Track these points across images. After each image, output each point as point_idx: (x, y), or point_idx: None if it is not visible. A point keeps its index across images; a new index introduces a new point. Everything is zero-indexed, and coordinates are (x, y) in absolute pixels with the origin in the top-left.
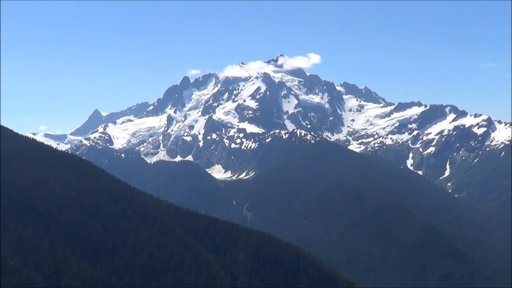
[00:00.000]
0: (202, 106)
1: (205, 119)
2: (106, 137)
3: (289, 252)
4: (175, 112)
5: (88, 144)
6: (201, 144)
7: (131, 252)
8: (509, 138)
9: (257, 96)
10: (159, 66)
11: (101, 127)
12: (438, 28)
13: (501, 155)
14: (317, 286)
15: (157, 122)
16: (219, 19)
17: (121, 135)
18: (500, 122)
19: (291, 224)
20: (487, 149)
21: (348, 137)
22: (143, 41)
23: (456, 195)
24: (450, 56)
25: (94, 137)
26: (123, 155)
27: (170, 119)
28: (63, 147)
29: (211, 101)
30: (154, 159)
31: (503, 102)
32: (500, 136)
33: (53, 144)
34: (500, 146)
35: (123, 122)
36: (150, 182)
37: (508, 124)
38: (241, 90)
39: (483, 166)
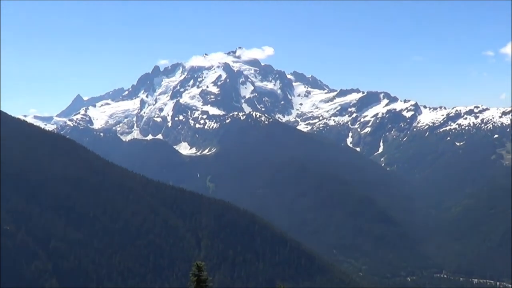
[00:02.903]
0: (171, 91)
1: (173, 102)
2: (87, 119)
3: (246, 218)
4: (147, 96)
5: (72, 125)
6: (169, 124)
7: (109, 218)
8: (432, 121)
9: (218, 83)
10: (133, 57)
11: (83, 109)
12: (376, 25)
13: (426, 135)
14: (270, 246)
15: (131, 105)
16: (185, 15)
17: (100, 116)
18: (425, 107)
19: (248, 193)
20: (414, 129)
21: (297, 118)
22: (119, 34)
23: (388, 169)
24: (385, 49)
25: (77, 119)
26: (101, 134)
27: (142, 103)
28: (49, 127)
29: (178, 87)
30: (128, 137)
31: (428, 89)
32: (425, 118)
33: (41, 124)
34: (425, 127)
35: (101, 105)
36: (125, 157)
37: (432, 109)
38: (205, 77)
39: (411, 144)
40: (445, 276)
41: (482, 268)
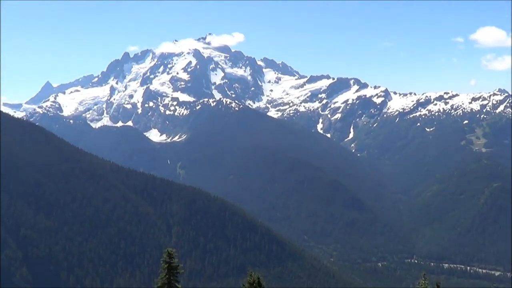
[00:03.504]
0: (141, 78)
1: (143, 89)
2: (57, 106)
3: (217, 204)
4: (117, 83)
5: (41, 112)
6: (139, 111)
7: (79, 206)
8: (402, 107)
9: (189, 69)
10: (103, 43)
11: (52, 96)
12: (346, 11)
13: (396, 121)
14: (241, 232)
15: (101, 92)
16: (155, 1)
17: (69, 103)
18: (395, 93)
19: (219, 180)
20: (384, 115)
21: (267, 105)
22: (89, 20)
23: (358, 154)
24: (355, 35)
25: (46, 106)
26: (71, 121)
27: (112, 89)
28: (19, 114)
29: (148, 74)
30: (98, 124)
31: (398, 75)
32: (395, 105)
33: (10, 112)
34: (395, 113)
35: (71, 92)
36: (95, 144)
37: (402, 95)
38: (175, 64)
39: (381, 130)
40: (416, 261)
41: (452, 253)
